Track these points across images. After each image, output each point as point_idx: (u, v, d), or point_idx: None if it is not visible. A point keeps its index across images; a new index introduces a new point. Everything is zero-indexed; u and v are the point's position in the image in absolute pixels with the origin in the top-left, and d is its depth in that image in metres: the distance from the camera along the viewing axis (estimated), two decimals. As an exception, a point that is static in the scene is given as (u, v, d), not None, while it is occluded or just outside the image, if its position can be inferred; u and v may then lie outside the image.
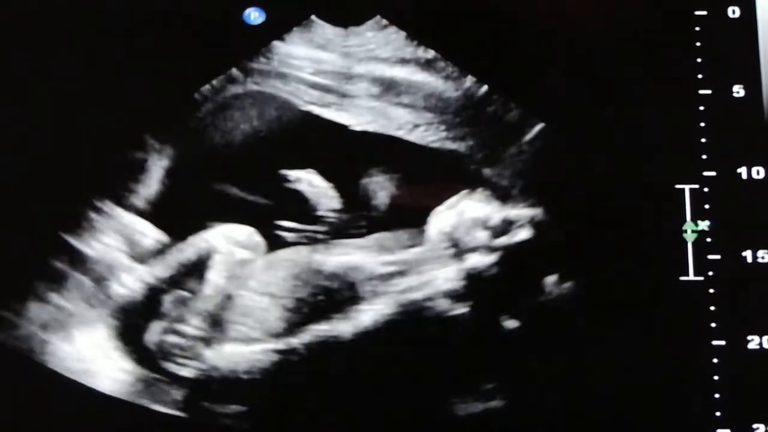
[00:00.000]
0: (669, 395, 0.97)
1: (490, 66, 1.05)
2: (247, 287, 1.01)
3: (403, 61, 1.06)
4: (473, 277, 1.00)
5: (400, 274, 1.00)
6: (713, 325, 0.98)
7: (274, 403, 0.98)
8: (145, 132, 1.04)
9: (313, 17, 1.07)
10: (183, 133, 1.05)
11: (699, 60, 1.04)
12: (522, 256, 1.00)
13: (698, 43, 1.04)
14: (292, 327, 1.00)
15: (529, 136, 1.04)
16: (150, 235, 1.02)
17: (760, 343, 0.98)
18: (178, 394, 0.98)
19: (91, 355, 0.99)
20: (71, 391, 0.98)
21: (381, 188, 1.02)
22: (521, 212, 1.02)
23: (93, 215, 1.02)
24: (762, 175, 1.02)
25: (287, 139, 1.04)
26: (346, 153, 1.03)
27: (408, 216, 1.02)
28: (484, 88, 1.05)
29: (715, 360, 0.98)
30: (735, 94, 1.03)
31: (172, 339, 0.99)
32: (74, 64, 1.05)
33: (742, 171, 1.02)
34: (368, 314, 0.99)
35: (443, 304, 0.99)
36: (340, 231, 1.02)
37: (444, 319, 0.99)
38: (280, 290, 1.00)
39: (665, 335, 0.98)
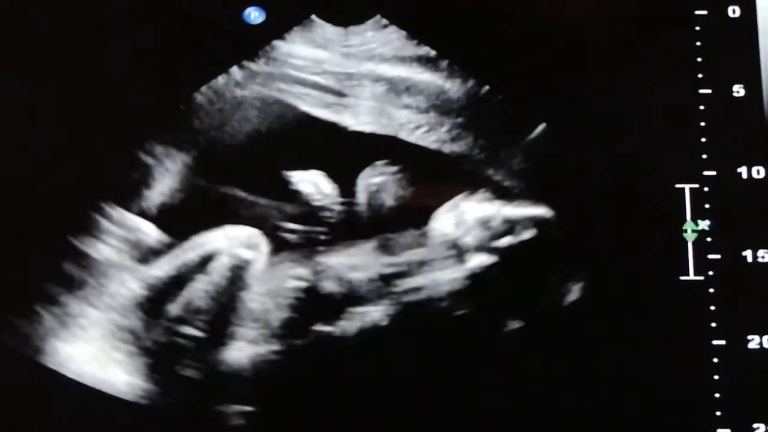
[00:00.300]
0: (669, 395, 0.97)
1: (492, 66, 1.05)
2: (250, 288, 1.01)
3: (404, 61, 1.06)
4: (475, 278, 1.00)
5: (403, 275, 1.01)
6: (713, 324, 0.99)
7: (276, 403, 0.98)
8: (145, 132, 1.04)
9: (313, 17, 1.07)
10: (184, 133, 1.05)
11: (699, 59, 1.04)
12: (524, 257, 1.01)
13: (698, 43, 1.04)
14: (295, 328, 1.00)
15: (530, 136, 1.04)
16: (153, 236, 1.02)
17: (761, 343, 0.98)
18: (180, 395, 0.99)
19: (95, 357, 1.00)
20: (75, 393, 0.99)
21: (383, 188, 1.03)
22: (523, 212, 1.02)
23: (97, 217, 1.02)
24: (762, 174, 1.02)
25: (288, 140, 1.04)
26: (346, 153, 1.03)
27: (410, 217, 1.02)
28: (486, 87, 1.05)
29: (715, 360, 0.98)
30: (735, 94, 1.03)
31: (176, 340, 1.00)
32: (74, 64, 1.05)
33: (743, 170, 1.02)
34: (370, 315, 1.00)
35: (445, 305, 1.00)
36: (342, 232, 1.02)
37: (446, 320, 0.99)
38: (282, 291, 1.01)
39: (665, 335, 0.99)
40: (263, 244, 1.02)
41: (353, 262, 1.01)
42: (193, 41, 1.06)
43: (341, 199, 1.03)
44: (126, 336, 1.00)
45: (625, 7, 1.06)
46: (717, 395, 0.97)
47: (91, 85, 1.05)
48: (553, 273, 1.00)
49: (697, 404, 0.97)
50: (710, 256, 1.00)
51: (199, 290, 1.01)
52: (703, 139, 1.03)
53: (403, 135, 1.04)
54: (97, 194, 1.02)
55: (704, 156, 1.02)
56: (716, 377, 0.98)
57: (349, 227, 1.02)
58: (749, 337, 0.98)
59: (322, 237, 1.02)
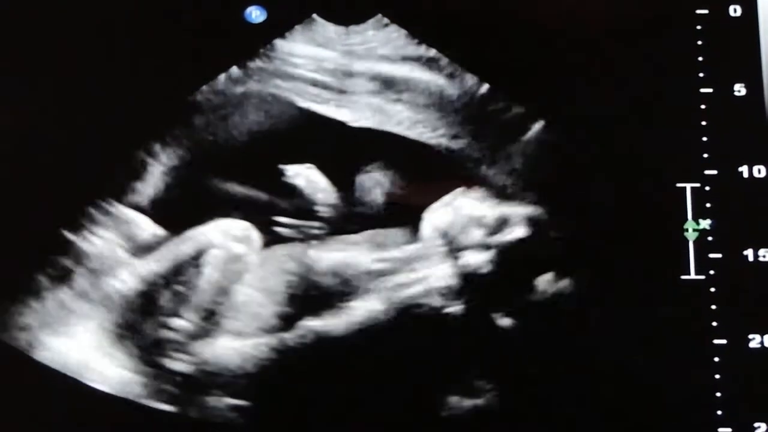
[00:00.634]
0: (670, 394, 0.96)
1: (490, 64, 1.05)
2: (242, 282, 1.00)
3: (404, 59, 1.06)
4: (468, 275, 0.99)
5: (395, 271, 0.99)
6: (714, 323, 0.97)
7: (267, 397, 0.97)
8: (145, 129, 1.04)
9: (314, 16, 1.08)
10: (183, 130, 1.05)
11: (700, 59, 1.04)
12: (517, 254, 0.99)
13: (699, 42, 1.04)
14: (286, 322, 0.98)
15: (528, 134, 1.03)
16: (147, 229, 1.01)
17: (761, 342, 0.97)
18: (173, 388, 0.97)
19: (87, 351, 0.98)
20: (67, 387, 0.98)
21: (377, 185, 1.02)
22: (517, 210, 1.01)
23: (91, 211, 1.02)
24: (763, 173, 1.01)
25: (287, 137, 1.04)
26: (343, 149, 1.03)
27: (403, 213, 1.01)
28: (484, 86, 1.04)
29: (716, 359, 0.96)
30: (736, 93, 1.03)
31: (168, 334, 0.98)
32: (74, 62, 1.06)
33: (744, 170, 1.01)
34: (362, 311, 0.98)
35: (437, 302, 0.98)
36: (335, 227, 1.01)
37: (438, 317, 0.98)
38: (274, 285, 1.00)
39: (666, 334, 0.97)
40: (256, 238, 1.01)
41: (346, 257, 1.00)
42: (194, 40, 1.07)
43: (336, 195, 1.02)
44: (119, 330, 0.99)
45: (626, 5, 1.06)
46: (718, 394, 0.96)
47: (90, 82, 1.05)
48: (546, 271, 0.98)
49: (698, 403, 0.96)
50: (711, 255, 0.99)
51: (192, 284, 1.00)
52: (704, 139, 1.02)
53: (400, 132, 1.04)
54: (92, 188, 1.02)
55: (705, 155, 1.01)
56: (717, 376, 0.96)
57: (343, 222, 1.01)
58: (750, 336, 0.97)
59: (316, 232, 1.01)
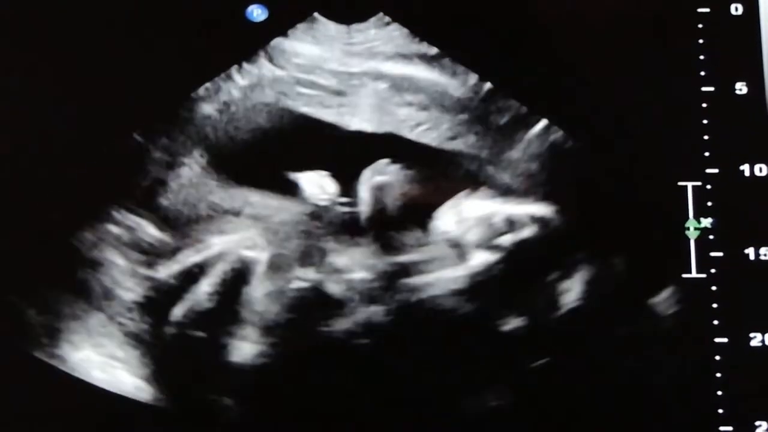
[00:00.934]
0: (672, 393, 0.97)
1: (494, 63, 1.05)
2: (253, 288, 1.01)
3: (406, 59, 1.06)
4: (477, 276, 1.00)
5: (405, 274, 1.00)
6: (715, 322, 0.99)
7: (280, 403, 0.98)
8: (148, 131, 1.04)
9: (315, 14, 1.07)
10: (187, 131, 1.05)
11: (702, 57, 1.04)
12: (526, 254, 1.01)
13: (701, 41, 1.04)
14: (298, 328, 1.00)
15: (532, 134, 1.04)
16: (157, 237, 1.02)
17: (763, 341, 0.98)
18: (184, 395, 0.99)
19: (100, 358, 1.00)
20: (81, 394, 0.99)
21: (385, 187, 1.02)
22: (525, 210, 1.02)
23: (101, 219, 1.02)
24: (764, 172, 1.02)
25: (290, 138, 1.04)
26: (348, 151, 1.03)
27: (412, 215, 1.02)
28: (488, 85, 1.05)
29: (717, 357, 0.98)
30: (738, 92, 1.03)
31: (180, 341, 1.00)
32: (77, 63, 1.05)
33: (745, 168, 1.02)
34: (373, 315, 0.99)
35: (448, 303, 1.00)
36: (344, 231, 1.02)
37: (448, 318, 0.99)
38: (285, 291, 1.00)
39: (668, 332, 0.98)
40: (266, 244, 1.02)
41: (356, 262, 1.01)
42: (196, 39, 1.06)
43: (343, 198, 1.02)
44: (130, 338, 1.00)
45: (628, 4, 1.06)
46: (719, 393, 0.97)
47: (94, 84, 1.05)
48: (555, 270, 1.00)
49: (699, 401, 0.97)
50: (712, 254, 1.00)
51: (202, 291, 1.01)
52: (706, 137, 1.03)
53: (405, 133, 1.04)
54: (101, 196, 1.02)
55: (707, 154, 1.02)
56: (718, 375, 0.98)
57: (352, 226, 1.02)
58: (751, 334, 0.98)
59: (325, 235, 1.02)
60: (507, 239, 1.01)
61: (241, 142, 1.04)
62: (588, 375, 0.98)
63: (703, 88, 1.03)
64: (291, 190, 1.02)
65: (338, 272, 1.01)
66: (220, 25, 1.07)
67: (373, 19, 1.07)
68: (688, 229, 1.01)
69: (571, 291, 1.00)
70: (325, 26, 1.07)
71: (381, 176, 1.03)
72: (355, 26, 1.07)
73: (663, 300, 0.99)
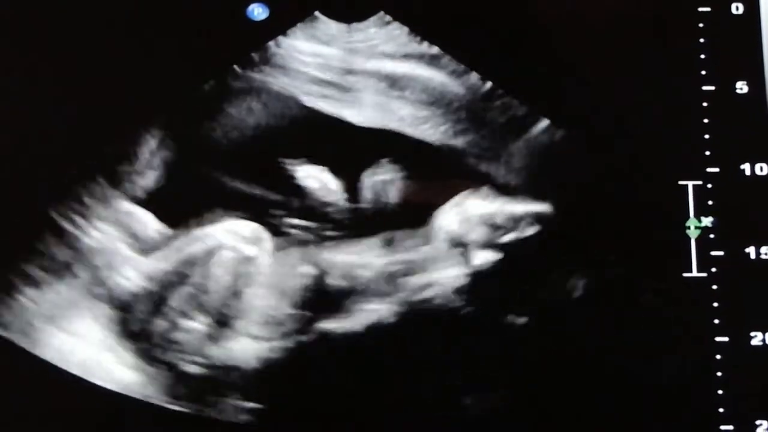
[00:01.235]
0: (672, 392, 0.97)
1: (494, 62, 1.05)
2: (253, 283, 1.01)
3: (407, 57, 1.06)
4: (479, 275, 1.00)
5: (407, 272, 1.01)
6: (716, 321, 0.99)
7: (280, 399, 0.98)
8: (150, 126, 1.04)
9: (316, 13, 1.07)
10: (188, 128, 1.05)
11: (702, 56, 1.04)
12: (527, 253, 1.01)
13: (702, 40, 1.04)
14: (298, 324, 1.00)
15: (533, 133, 1.04)
16: (154, 228, 1.02)
17: (763, 340, 0.98)
18: (181, 389, 0.99)
19: (92, 349, 0.99)
20: (70, 386, 0.99)
21: (386, 185, 1.03)
22: (526, 209, 1.02)
23: (98, 207, 1.02)
24: (765, 171, 1.02)
25: (291, 135, 1.04)
26: (350, 149, 1.03)
27: (414, 213, 1.02)
28: (488, 84, 1.05)
29: (718, 356, 0.98)
30: (738, 91, 1.03)
31: (177, 334, 1.00)
32: (78, 57, 1.05)
33: (746, 167, 1.02)
34: (374, 312, 1.00)
35: (449, 302, 1.00)
36: (345, 228, 1.02)
37: (450, 317, 0.99)
38: (286, 287, 1.01)
39: (668, 331, 0.99)
40: (267, 240, 1.02)
41: (357, 259, 1.01)
42: (196, 37, 1.06)
43: (345, 195, 1.03)
44: (127, 329, 1.00)
45: (629, 3, 1.06)
46: (720, 392, 0.97)
47: (95, 80, 1.05)
48: (557, 269, 1.00)
49: (699, 401, 0.97)
50: (713, 253, 1.00)
51: (202, 284, 1.01)
52: (707, 136, 1.03)
53: (406, 131, 1.04)
54: (100, 185, 1.02)
55: (707, 153, 1.02)
56: (719, 374, 0.98)
57: (353, 223, 1.02)
58: (752, 333, 0.98)
59: (327, 233, 1.02)
60: (508, 238, 1.01)
61: (242, 138, 1.04)
62: (588, 374, 0.98)
63: (704, 87, 1.03)
64: (293, 186, 1.02)
65: (340, 270, 1.01)
66: (221, 23, 1.07)
67: (373, 18, 1.07)
68: (689, 228, 1.01)
69: (572, 290, 1.00)
70: (326, 25, 1.07)
71: (383, 174, 1.03)
72: (355, 25, 1.07)
73: (663, 299, 0.99)
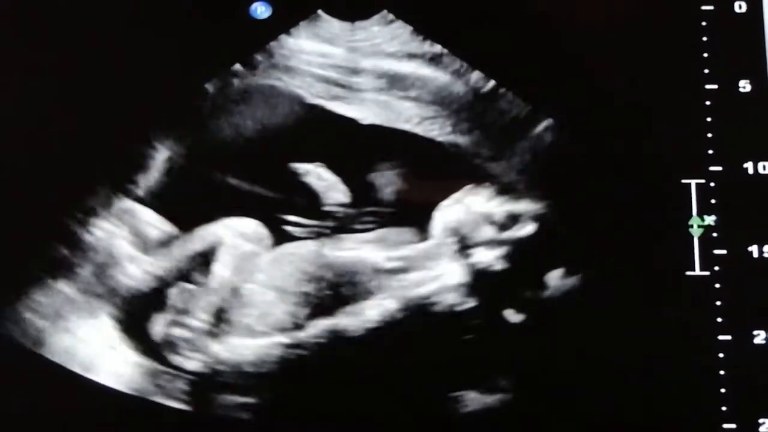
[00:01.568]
0: (675, 390, 0.97)
1: (497, 61, 1.05)
2: (254, 281, 1.01)
3: (410, 56, 1.06)
4: (479, 272, 1.00)
5: (407, 269, 1.00)
6: (719, 319, 0.99)
7: (279, 396, 0.98)
8: (152, 125, 1.04)
9: (319, 12, 1.07)
10: (190, 126, 1.05)
11: (705, 55, 1.04)
12: (527, 251, 1.00)
13: (705, 38, 1.04)
14: (299, 321, 1.00)
15: (535, 131, 1.04)
16: (157, 226, 1.02)
17: (766, 338, 0.98)
18: (183, 386, 0.98)
19: (94, 347, 0.99)
20: (73, 384, 0.99)
21: (388, 183, 1.03)
22: (527, 207, 1.02)
23: (100, 206, 1.02)
24: (768, 169, 1.02)
25: (294, 133, 1.04)
26: (352, 147, 1.04)
27: (414, 211, 1.02)
28: (491, 83, 1.05)
29: (721, 355, 0.98)
30: (741, 89, 1.03)
31: (178, 331, 1.00)
32: (80, 56, 1.06)
33: (749, 166, 1.02)
34: (375, 309, 0.99)
35: (449, 299, 0.99)
36: (346, 225, 1.02)
37: (450, 314, 0.99)
38: (286, 284, 1.01)
39: (671, 330, 0.98)
40: (267, 237, 1.02)
41: (357, 256, 1.01)
42: (199, 36, 1.06)
43: (347, 193, 1.02)
44: (127, 326, 1.00)
45: (632, 2, 1.06)
46: (723, 390, 0.97)
47: (99, 79, 1.05)
48: (557, 267, 1.00)
49: (702, 399, 0.97)
50: (716, 252, 1.00)
51: (203, 282, 1.01)
52: (709, 135, 1.03)
53: (409, 129, 1.04)
54: (103, 184, 1.03)
55: (710, 151, 1.02)
56: (722, 372, 0.97)
57: (353, 221, 1.02)
58: (755, 332, 0.98)
59: (327, 230, 1.02)
60: (509, 236, 1.01)
61: (245, 136, 1.04)
62: (590, 372, 0.98)
63: (707, 86, 1.03)
64: (294, 183, 1.02)
65: (340, 267, 1.00)
66: (224, 22, 1.07)
67: (376, 17, 1.07)
68: (692, 226, 1.01)
69: (573, 288, 0.99)
70: (329, 23, 1.08)
71: (384, 172, 1.03)
72: (358, 24, 1.07)
73: (666, 297, 0.99)
